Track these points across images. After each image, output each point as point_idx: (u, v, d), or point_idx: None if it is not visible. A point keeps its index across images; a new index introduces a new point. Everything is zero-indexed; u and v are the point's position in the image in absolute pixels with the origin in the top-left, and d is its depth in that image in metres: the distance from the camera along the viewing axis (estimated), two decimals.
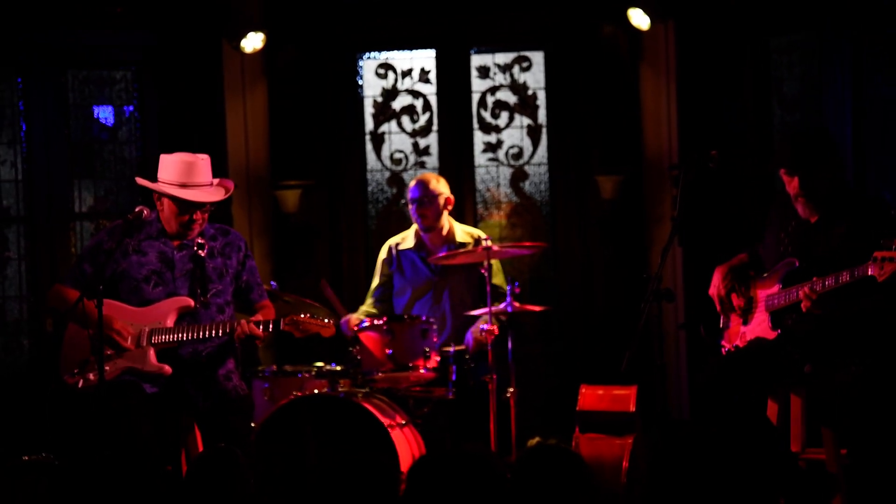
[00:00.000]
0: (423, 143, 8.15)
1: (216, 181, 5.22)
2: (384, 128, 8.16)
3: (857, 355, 4.71)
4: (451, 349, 6.09)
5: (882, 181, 6.93)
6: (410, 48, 8.14)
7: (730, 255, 5.31)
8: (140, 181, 5.24)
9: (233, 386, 5.21)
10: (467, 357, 6.22)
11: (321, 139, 7.97)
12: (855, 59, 6.94)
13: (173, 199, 5.10)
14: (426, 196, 6.45)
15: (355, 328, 6.14)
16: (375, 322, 6.05)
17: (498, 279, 6.48)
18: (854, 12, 6.90)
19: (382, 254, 6.69)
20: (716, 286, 5.12)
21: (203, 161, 5.17)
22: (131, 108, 7.86)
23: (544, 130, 8.10)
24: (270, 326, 5.03)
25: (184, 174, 5.10)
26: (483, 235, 6.46)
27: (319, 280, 7.00)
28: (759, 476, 3.23)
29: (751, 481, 3.21)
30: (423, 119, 8.14)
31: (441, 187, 6.51)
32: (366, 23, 8.04)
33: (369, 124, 8.16)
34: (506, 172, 8.16)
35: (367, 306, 6.64)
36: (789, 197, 4.97)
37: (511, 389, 6.04)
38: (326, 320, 5.11)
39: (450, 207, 6.56)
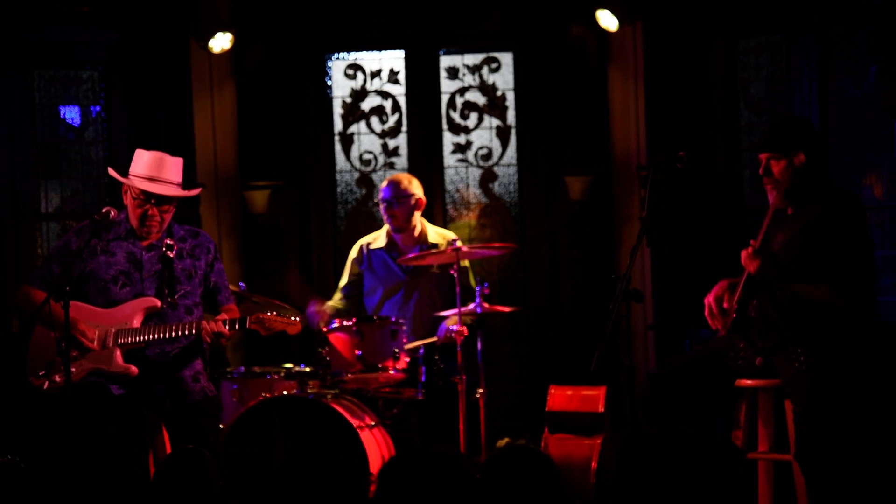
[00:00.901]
0: (392, 143, 8.15)
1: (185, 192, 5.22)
2: (353, 128, 8.16)
3: (804, 346, 4.75)
4: (420, 349, 6.09)
5: (847, 182, 6.98)
6: (379, 49, 8.14)
7: (700, 255, 5.34)
8: (111, 172, 5.22)
9: (201, 387, 5.19)
10: (436, 357, 6.21)
11: (290, 140, 7.96)
12: (821, 61, 6.99)
13: (133, 189, 5.09)
14: (397, 197, 6.44)
15: (325, 329, 6.12)
16: (345, 323, 6.04)
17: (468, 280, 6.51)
18: (821, 14, 6.94)
19: (353, 252, 6.68)
20: (712, 292, 5.12)
21: (174, 161, 5.16)
22: (98, 108, 7.81)
23: (513, 131, 8.12)
24: (237, 325, 5.02)
25: (152, 169, 5.09)
26: (455, 238, 6.45)
27: (289, 276, 6.98)
28: (722, 479, 3.25)
29: (715, 484, 3.23)
30: (392, 120, 8.14)
31: (413, 188, 6.49)
32: (335, 23, 8.03)
33: (338, 125, 8.15)
34: (475, 173, 8.17)
35: (335, 301, 6.63)
36: None
37: (480, 390, 6.05)
38: (293, 318, 5.10)
39: (421, 208, 6.55)
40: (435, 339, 6.26)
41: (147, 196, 5.08)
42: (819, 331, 4.74)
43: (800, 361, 4.73)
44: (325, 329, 6.11)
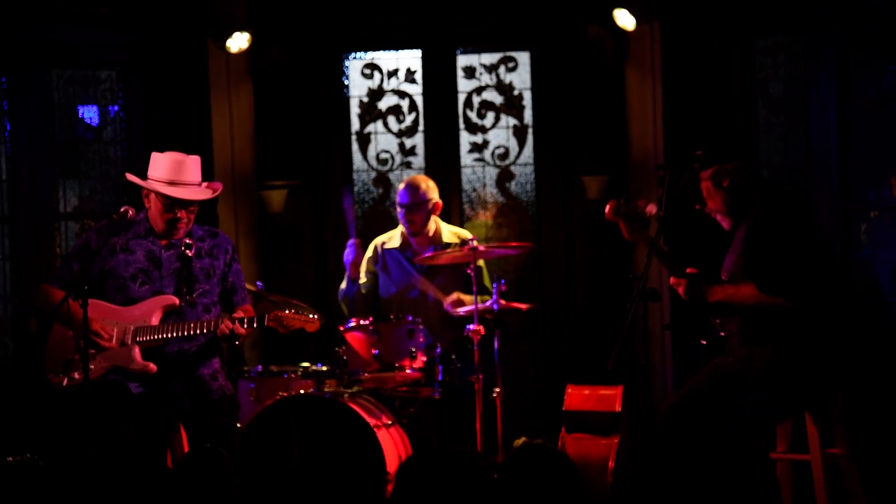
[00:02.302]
0: (409, 143, 8.15)
1: (205, 184, 5.23)
2: (370, 128, 8.16)
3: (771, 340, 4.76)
4: (437, 349, 6.09)
5: (865, 182, 6.96)
6: (396, 48, 8.14)
7: (719, 255, 5.35)
8: (130, 177, 5.24)
9: (219, 386, 5.20)
10: (453, 356, 6.20)
11: (307, 139, 7.97)
12: (840, 60, 6.97)
13: (159, 195, 5.11)
14: (415, 202, 6.41)
15: (341, 327, 6.13)
16: (361, 322, 6.04)
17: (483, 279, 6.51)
18: (839, 13, 6.92)
19: (368, 252, 6.68)
20: None
21: (193, 161, 5.18)
22: (116, 107, 7.84)
23: (530, 131, 8.11)
24: (255, 323, 5.03)
25: (173, 172, 5.11)
26: (470, 236, 6.45)
27: (304, 280, 6.98)
28: (739, 478, 3.25)
29: (732, 483, 3.23)
30: (409, 119, 8.14)
31: (431, 192, 6.47)
32: (351, 23, 8.04)
33: (355, 124, 8.16)
34: (492, 173, 8.16)
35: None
36: None
37: (497, 389, 6.04)
38: (311, 315, 5.10)
39: (438, 212, 6.54)
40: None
41: (173, 202, 5.09)
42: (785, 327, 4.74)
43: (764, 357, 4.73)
44: (341, 328, 6.13)
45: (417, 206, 6.42)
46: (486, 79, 8.14)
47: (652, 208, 4.92)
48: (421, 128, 8.13)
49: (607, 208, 4.98)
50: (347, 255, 6.46)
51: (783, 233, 4.78)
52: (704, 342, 5.12)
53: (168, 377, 5.11)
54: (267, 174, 7.91)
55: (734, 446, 4.47)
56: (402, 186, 6.51)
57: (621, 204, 4.94)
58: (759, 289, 4.70)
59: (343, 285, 6.58)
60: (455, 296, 6.31)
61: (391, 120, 8.15)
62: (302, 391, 5.98)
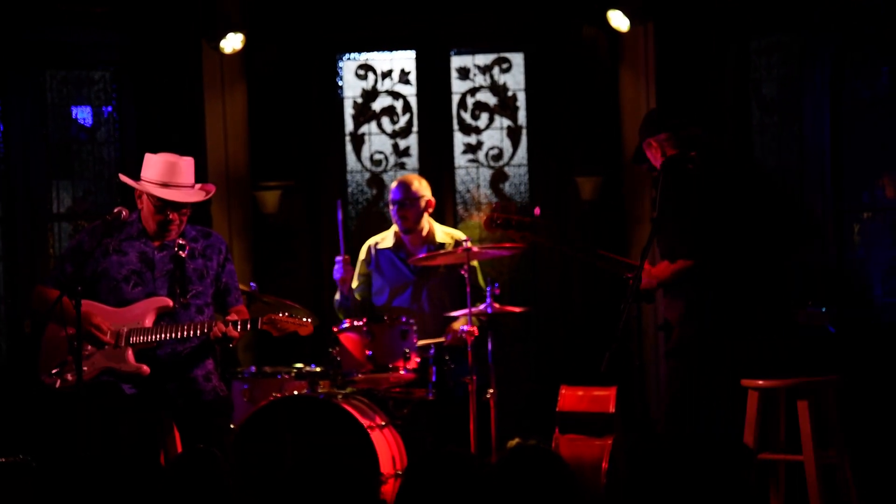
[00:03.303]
0: (403, 144, 8.15)
1: (198, 186, 5.22)
2: (364, 129, 8.16)
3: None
4: (430, 350, 6.09)
5: (859, 183, 6.97)
6: (390, 49, 8.14)
7: None
8: (123, 178, 5.24)
9: (212, 387, 5.20)
10: (447, 357, 6.20)
11: (301, 140, 7.96)
12: (834, 61, 6.97)
13: (151, 197, 5.10)
14: (407, 198, 6.44)
15: (335, 329, 6.13)
16: (355, 323, 6.04)
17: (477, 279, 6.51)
18: (839, 13, 6.91)
19: (361, 254, 6.69)
20: None
21: (186, 162, 5.18)
22: (110, 108, 7.83)
23: (524, 132, 8.11)
24: (248, 326, 5.03)
25: (166, 174, 5.11)
26: (463, 237, 6.45)
27: (299, 280, 6.97)
28: (732, 479, 3.25)
29: (725, 485, 3.23)
30: (403, 120, 8.14)
31: (423, 189, 6.50)
32: (346, 24, 8.04)
33: (349, 125, 8.15)
34: (486, 174, 8.17)
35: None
36: None
37: (491, 390, 6.05)
38: (305, 319, 5.11)
39: (431, 210, 6.55)
40: (442, 339, 6.26)
41: (164, 203, 5.09)
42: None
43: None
44: (335, 329, 6.13)
45: (410, 202, 6.44)
46: (481, 80, 8.14)
47: (537, 210, 4.98)
48: (415, 129, 8.13)
49: (483, 219, 5.04)
50: (336, 271, 6.47)
51: (679, 195, 4.83)
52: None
53: (161, 378, 5.10)
54: (261, 175, 7.91)
55: (720, 439, 4.48)
56: (394, 184, 6.54)
57: (494, 216, 5.00)
58: (661, 256, 4.77)
59: (337, 297, 6.59)
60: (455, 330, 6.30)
61: (385, 121, 8.15)
62: (296, 392, 5.97)
